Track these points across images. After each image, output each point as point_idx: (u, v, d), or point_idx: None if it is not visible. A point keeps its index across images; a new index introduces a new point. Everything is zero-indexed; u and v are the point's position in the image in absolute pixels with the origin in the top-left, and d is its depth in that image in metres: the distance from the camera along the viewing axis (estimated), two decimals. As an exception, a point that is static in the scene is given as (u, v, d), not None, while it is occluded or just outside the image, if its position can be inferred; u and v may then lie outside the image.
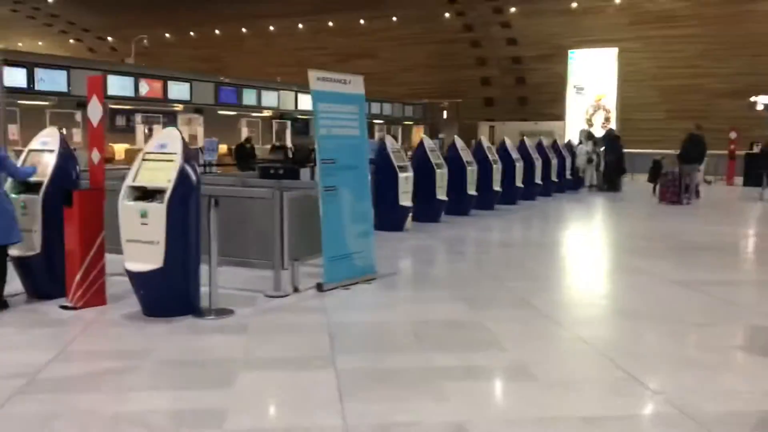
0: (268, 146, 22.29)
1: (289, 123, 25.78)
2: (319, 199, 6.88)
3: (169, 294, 5.87)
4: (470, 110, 38.95)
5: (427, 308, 6.41)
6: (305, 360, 4.83)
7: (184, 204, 5.80)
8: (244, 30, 43.16)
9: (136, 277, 5.79)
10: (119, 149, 19.34)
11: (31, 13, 44.20)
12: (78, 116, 18.13)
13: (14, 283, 6.31)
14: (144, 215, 5.73)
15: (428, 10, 37.01)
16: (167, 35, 43.17)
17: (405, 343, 5.31)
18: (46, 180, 6.30)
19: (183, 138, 6.00)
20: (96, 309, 6.09)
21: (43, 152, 6.51)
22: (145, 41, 30.04)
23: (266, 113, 24.13)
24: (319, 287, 6.87)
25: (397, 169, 11.13)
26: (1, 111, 7.97)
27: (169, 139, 5.96)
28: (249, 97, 23.01)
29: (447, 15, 37.58)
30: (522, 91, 39.38)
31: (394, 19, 38.71)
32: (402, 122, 34.20)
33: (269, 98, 23.91)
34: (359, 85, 7.54)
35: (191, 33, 43.93)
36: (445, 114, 37.19)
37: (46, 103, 17.46)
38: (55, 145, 6.49)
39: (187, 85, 20.73)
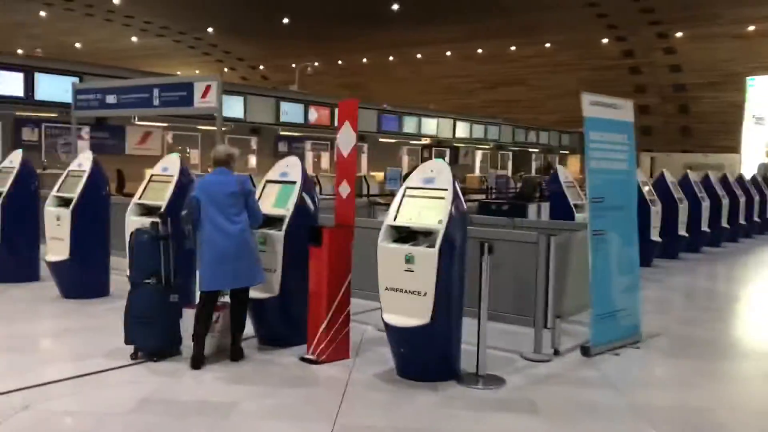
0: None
1: (448, 151, 25.02)
2: (588, 244, 5.81)
3: (434, 354, 4.98)
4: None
5: (737, 387, 5.14)
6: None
7: (455, 249, 4.91)
8: (391, 58, 43.23)
9: (397, 333, 4.94)
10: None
11: (192, 44, 46.48)
12: (253, 142, 18.19)
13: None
14: (410, 260, 4.88)
15: (585, 35, 35.37)
16: (316, 63, 44.05)
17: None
18: (288, 214, 5.64)
19: (453, 172, 5.13)
20: (341, 364, 5.32)
21: (283, 184, 5.88)
22: (309, 69, 30.39)
23: (424, 141, 23.52)
24: (585, 351, 5.77)
25: (573, 208, 9.70)
26: (219, 135, 7.47)
27: (438, 173, 5.10)
28: (410, 124, 22.45)
29: (605, 41, 35.76)
30: (684, 121, 36.79)
31: (547, 45, 37.37)
32: (558, 151, 32.59)
33: (429, 126, 23.26)
34: (629, 111, 6.45)
35: (339, 61, 44.54)
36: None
37: (223, 128, 17.61)
38: (296, 176, 5.84)
39: (352, 112, 20.39)
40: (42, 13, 39.90)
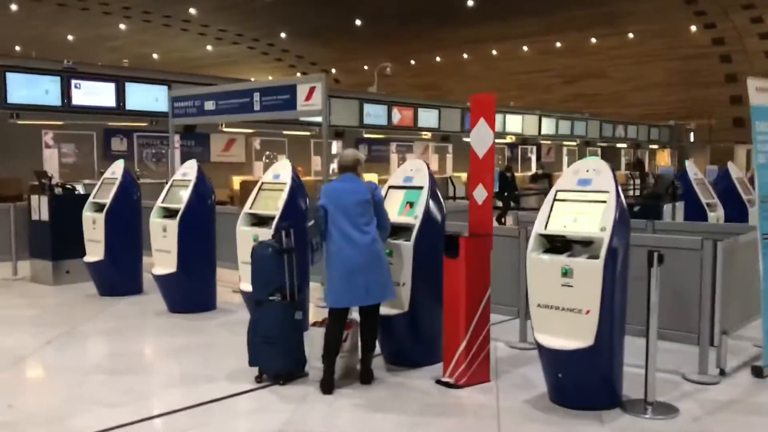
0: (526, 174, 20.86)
1: (534, 148, 24.14)
2: (759, 249, 5.10)
3: (596, 379, 4.39)
4: (716, 132, 34.92)
5: None
6: None
7: (618, 260, 4.30)
8: (465, 55, 42.48)
9: (554, 356, 4.37)
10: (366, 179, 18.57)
11: (265, 50, 46.92)
12: (335, 146, 17.91)
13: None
14: (567, 274, 4.31)
15: (671, 23, 33.77)
16: (389, 65, 43.72)
17: None
18: (417, 223, 5.16)
19: (614, 172, 4.53)
20: (482, 388, 4.80)
21: (407, 189, 5.40)
22: (387, 69, 29.95)
23: (509, 139, 22.76)
24: (757, 372, 5.07)
25: (706, 207, 8.81)
26: (325, 139, 7.06)
27: (597, 174, 4.51)
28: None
29: (693, 28, 34.05)
30: (782, 110, 34.61)
31: (630, 35, 35.90)
32: (647, 146, 31.08)
33: (513, 123, 22.48)
34: (797, 98, 5.66)
35: (412, 61, 44.06)
36: (692, 136, 33.49)
37: (308, 133, 17.42)
38: (423, 180, 5.35)
39: (435, 113, 19.92)
40: (122, 26, 41.00)
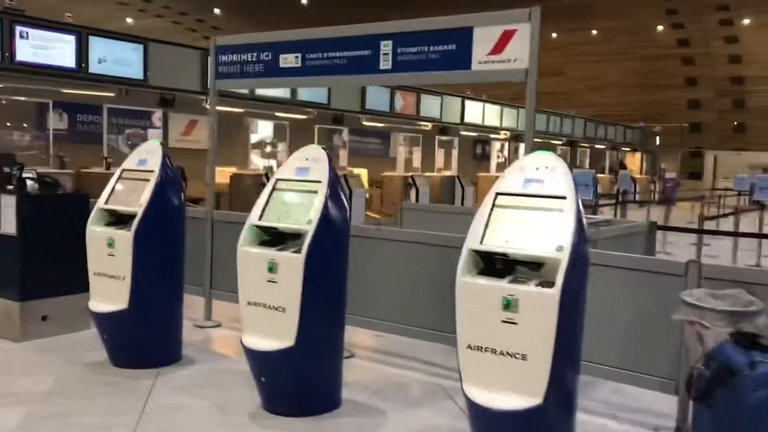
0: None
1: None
2: None
3: None
4: (671, 136, 34.04)
5: None
6: None
7: None
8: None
9: None
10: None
11: (193, 26, 42.71)
12: (344, 134, 14.67)
13: None
14: None
15: (639, 21, 32.43)
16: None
17: None
18: None
19: None
20: None
21: None
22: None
23: (503, 135, 20.27)
24: None
25: None
26: (530, 117, 4.10)
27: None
28: (492, 116, 19.19)
29: (660, 28, 32.87)
30: (740, 117, 34.14)
31: (594, 32, 34.41)
32: (621, 148, 29.39)
33: (510, 118, 20.03)
34: None
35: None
36: (658, 140, 32.26)
37: (304, 116, 14.12)
38: None
39: (438, 100, 17.11)
40: (29, -11, 35.78)
